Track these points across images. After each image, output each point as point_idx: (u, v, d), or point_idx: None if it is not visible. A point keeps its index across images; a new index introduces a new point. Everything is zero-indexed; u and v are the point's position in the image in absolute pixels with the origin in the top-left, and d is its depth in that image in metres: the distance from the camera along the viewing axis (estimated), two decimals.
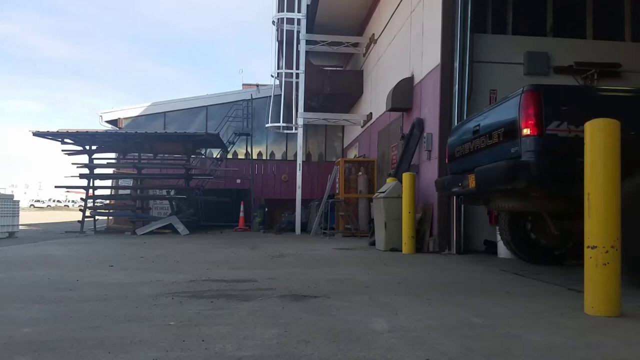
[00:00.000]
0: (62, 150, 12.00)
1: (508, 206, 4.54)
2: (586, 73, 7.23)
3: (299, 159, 12.85)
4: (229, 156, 16.28)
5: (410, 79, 8.80)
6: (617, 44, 7.68)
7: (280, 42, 13.90)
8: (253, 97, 16.48)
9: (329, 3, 12.74)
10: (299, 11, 13.12)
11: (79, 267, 4.94)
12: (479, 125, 4.65)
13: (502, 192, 4.11)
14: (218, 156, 15.62)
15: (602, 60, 7.31)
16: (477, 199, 4.98)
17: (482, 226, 7.05)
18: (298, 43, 13.13)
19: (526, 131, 3.72)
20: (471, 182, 4.45)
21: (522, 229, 5.59)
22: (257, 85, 17.61)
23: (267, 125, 15.05)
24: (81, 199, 13.08)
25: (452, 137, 5.41)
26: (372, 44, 12.69)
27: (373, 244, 7.97)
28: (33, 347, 2.12)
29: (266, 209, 14.36)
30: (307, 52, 13.28)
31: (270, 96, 14.95)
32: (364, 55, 13.89)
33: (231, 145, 15.66)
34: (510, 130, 3.96)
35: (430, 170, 7.59)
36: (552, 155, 3.70)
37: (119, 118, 16.64)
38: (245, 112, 16.07)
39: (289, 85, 13.49)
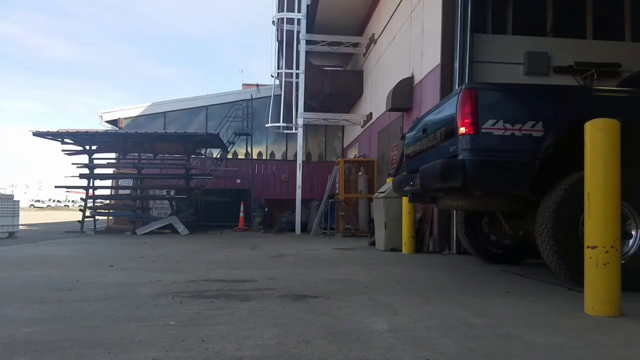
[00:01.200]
0: (62, 150, 12.00)
1: (453, 205, 4.55)
2: (586, 73, 7.22)
3: (299, 159, 12.85)
4: (229, 156, 16.28)
5: (410, 79, 8.80)
6: (617, 44, 7.68)
7: (280, 42, 13.90)
8: (253, 97, 16.49)
9: (329, 3, 12.75)
10: (299, 11, 13.12)
11: (79, 267, 4.94)
12: (427, 124, 4.68)
13: (444, 190, 4.14)
14: (218, 156, 15.62)
15: (602, 60, 7.31)
16: (425, 198, 4.98)
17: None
18: (298, 43, 13.13)
19: (462, 130, 3.74)
20: (418, 181, 4.49)
21: (477, 227, 5.60)
22: (257, 85, 17.61)
23: (267, 125, 15.05)
24: (81, 199, 13.08)
25: (408, 135, 5.43)
26: (372, 44, 12.69)
27: (373, 244, 7.97)
28: (33, 347, 2.12)
29: (266, 209, 14.36)
30: (307, 52, 13.28)
31: (270, 96, 14.95)
32: (364, 55, 13.89)
33: (231, 145, 15.66)
34: (450, 129, 3.98)
35: None
36: (488, 153, 3.71)
37: (119, 118, 16.64)
38: (245, 112, 16.08)
39: (289, 85, 13.49)
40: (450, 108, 4.03)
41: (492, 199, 4.27)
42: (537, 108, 3.76)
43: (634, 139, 3.60)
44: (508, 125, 3.65)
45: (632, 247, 3.60)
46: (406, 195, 5.14)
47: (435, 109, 4.61)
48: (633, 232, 3.62)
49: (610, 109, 3.76)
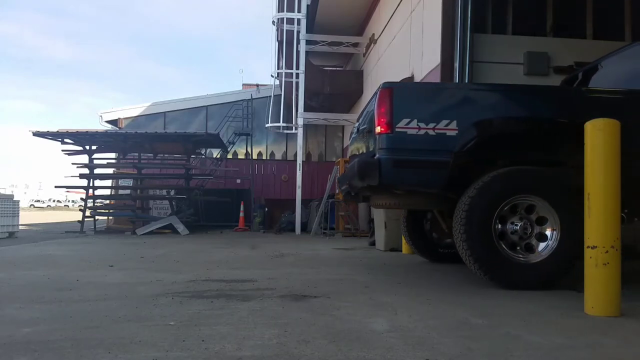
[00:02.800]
0: (62, 150, 12.00)
1: (382, 204, 4.56)
2: None
3: (299, 159, 12.85)
4: (229, 156, 16.28)
5: (410, 79, 8.80)
6: (617, 44, 7.67)
7: (280, 42, 13.91)
8: (253, 97, 16.48)
9: (329, 3, 12.75)
10: (299, 11, 13.13)
11: (79, 267, 4.94)
12: (358, 123, 4.74)
13: (367, 189, 4.17)
14: (218, 156, 15.62)
15: None
16: (358, 197, 5.00)
17: None
18: (298, 43, 13.14)
19: (378, 129, 3.76)
20: (347, 180, 4.51)
21: (419, 226, 5.62)
22: (257, 85, 17.61)
23: (267, 125, 15.05)
24: (81, 199, 13.08)
25: (351, 135, 5.46)
26: (372, 44, 12.69)
27: (373, 244, 7.97)
28: (33, 347, 2.12)
29: (266, 209, 14.36)
30: (307, 52, 13.29)
31: (270, 96, 14.96)
32: (364, 55, 13.89)
33: (231, 145, 15.65)
34: (371, 128, 4.02)
35: None
36: (402, 152, 3.73)
37: (119, 118, 16.64)
38: (245, 112, 16.07)
39: (289, 85, 13.49)
40: (372, 107, 4.07)
41: (417, 198, 4.30)
42: (451, 107, 3.79)
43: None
44: (422, 125, 3.68)
45: (547, 247, 3.62)
46: (345, 195, 5.18)
47: (364, 109, 4.66)
48: (548, 232, 3.64)
49: (523, 107, 3.82)
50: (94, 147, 12.08)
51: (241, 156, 16.94)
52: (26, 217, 21.54)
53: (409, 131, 3.69)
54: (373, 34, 12.65)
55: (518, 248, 3.67)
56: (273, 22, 13.90)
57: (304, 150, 15.93)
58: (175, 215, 12.08)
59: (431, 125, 3.66)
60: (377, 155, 3.77)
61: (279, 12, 13.53)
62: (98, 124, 16.44)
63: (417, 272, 4.88)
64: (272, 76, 14.81)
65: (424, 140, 3.68)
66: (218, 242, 8.99)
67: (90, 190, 12.01)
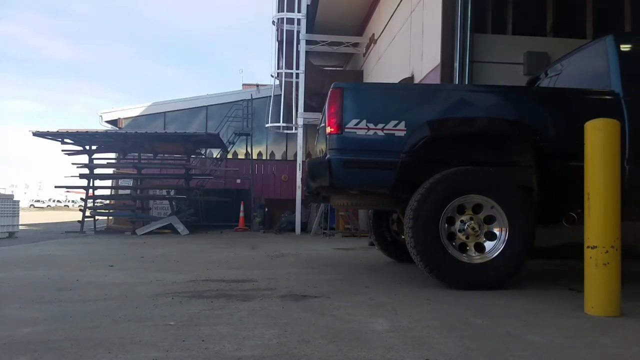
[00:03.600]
0: (62, 150, 12.00)
1: (341, 203, 4.56)
2: None
3: (299, 159, 12.84)
4: (229, 156, 16.27)
5: (410, 79, 8.80)
6: None
7: (280, 42, 13.91)
8: (253, 97, 16.48)
9: (329, 3, 12.74)
10: (299, 11, 13.13)
11: (79, 267, 4.94)
12: (320, 124, 4.77)
13: (323, 189, 4.19)
14: (218, 156, 15.62)
15: None
16: (319, 197, 5.01)
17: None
18: (298, 43, 13.14)
19: (328, 129, 3.78)
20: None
21: (385, 226, 5.61)
22: (257, 85, 17.61)
23: (267, 125, 15.05)
24: (81, 199, 13.07)
25: (317, 135, 5.49)
26: (372, 44, 12.69)
27: (373, 244, 7.97)
28: (33, 347, 2.12)
29: (266, 209, 14.36)
30: (307, 52, 13.29)
31: (270, 96, 14.95)
32: (364, 55, 13.89)
33: (231, 145, 15.65)
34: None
35: None
36: (352, 153, 3.75)
37: (119, 118, 16.63)
38: (245, 112, 16.07)
39: (289, 85, 13.49)
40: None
41: (373, 198, 4.31)
42: (400, 108, 3.81)
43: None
44: (371, 125, 3.69)
45: (495, 247, 3.62)
46: (308, 195, 5.21)
47: (324, 109, 4.68)
48: (496, 232, 3.64)
49: (471, 107, 3.84)
50: (94, 147, 12.07)
51: (241, 156, 16.94)
52: (26, 217, 21.54)
53: (358, 131, 3.71)
54: (373, 34, 12.65)
55: (467, 248, 3.66)
56: (273, 22, 13.90)
57: (304, 150, 15.92)
58: (175, 215, 12.07)
59: (380, 125, 3.69)
60: (327, 156, 3.79)
61: (279, 12, 13.53)
62: (98, 124, 16.44)
63: (417, 272, 4.87)
64: (272, 76, 14.81)
65: (373, 141, 3.70)
66: (218, 242, 8.99)
67: (90, 190, 12.00)
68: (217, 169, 15.09)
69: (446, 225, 3.63)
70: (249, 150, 16.38)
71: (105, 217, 13.43)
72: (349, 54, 15.49)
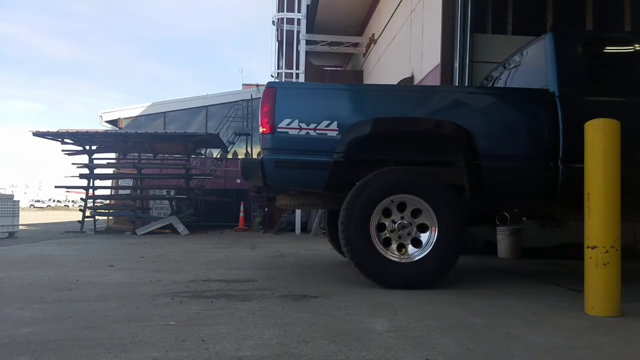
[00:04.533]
0: (62, 150, 12.00)
1: (284, 203, 4.55)
2: None
3: None
4: (229, 156, 16.28)
5: (410, 79, 8.79)
6: None
7: (280, 42, 13.91)
8: (253, 97, 16.48)
9: (329, 3, 12.74)
10: (299, 11, 13.13)
11: (79, 267, 4.94)
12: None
13: (262, 189, 4.19)
14: (218, 156, 15.62)
15: None
16: (263, 197, 4.96)
17: (482, 226, 7.05)
18: (298, 43, 13.14)
19: (261, 129, 3.79)
20: None
21: (336, 225, 5.61)
22: (257, 85, 17.60)
23: None
24: (81, 199, 13.08)
25: None
26: (372, 44, 12.69)
27: None
28: (33, 347, 2.12)
29: (266, 209, 14.36)
30: (307, 52, 13.29)
31: None
32: (364, 55, 13.89)
33: (231, 145, 15.65)
34: None
35: None
36: (284, 152, 3.75)
37: (119, 118, 16.63)
38: (245, 112, 16.08)
39: None
40: None
41: (315, 198, 4.29)
42: (332, 108, 3.79)
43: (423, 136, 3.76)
44: (303, 125, 3.69)
45: (426, 246, 3.62)
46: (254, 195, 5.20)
47: None
48: (427, 231, 3.64)
49: (403, 107, 3.83)
50: (94, 147, 12.07)
51: (241, 156, 16.92)
52: (26, 217, 21.54)
53: (290, 131, 3.70)
54: (373, 34, 12.65)
55: (397, 247, 3.66)
56: (273, 22, 13.90)
57: None
58: (175, 215, 12.07)
59: (312, 125, 3.68)
60: (261, 156, 3.79)
61: (279, 12, 13.53)
62: (98, 124, 16.44)
63: None
64: (272, 76, 14.80)
65: (306, 141, 3.69)
66: (218, 242, 8.99)
67: (90, 190, 12.00)
68: (217, 169, 15.09)
69: (377, 224, 3.64)
70: (249, 150, 16.38)
71: (105, 217, 13.43)
72: (349, 54, 15.49)
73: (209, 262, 5.49)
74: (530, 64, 4.26)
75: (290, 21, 13.31)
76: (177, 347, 2.14)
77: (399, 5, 9.93)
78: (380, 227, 3.67)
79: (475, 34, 7.17)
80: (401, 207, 3.68)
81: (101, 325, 2.51)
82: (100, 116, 16.57)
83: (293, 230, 12.55)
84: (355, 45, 14.41)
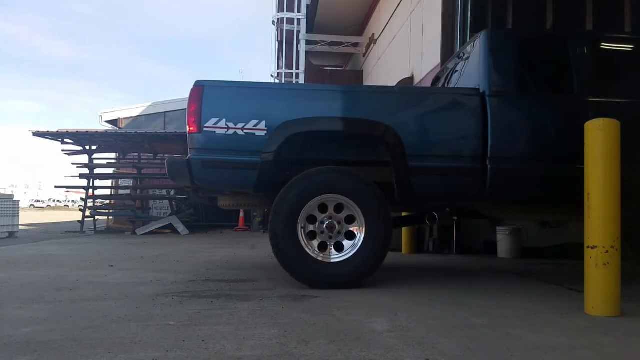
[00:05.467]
0: (62, 150, 11.99)
1: (225, 204, 4.51)
2: None
3: None
4: None
5: (410, 79, 8.80)
6: None
7: (280, 42, 13.92)
8: None
9: (329, 3, 12.75)
10: (299, 11, 13.14)
11: (79, 267, 4.94)
12: None
13: (196, 189, 4.16)
14: None
15: None
16: (203, 197, 4.90)
17: (482, 226, 7.05)
18: (298, 43, 13.15)
19: (189, 128, 3.73)
20: None
21: None
22: None
23: None
24: (81, 199, 13.07)
25: None
26: (372, 44, 12.70)
27: None
28: (33, 347, 2.12)
29: (266, 209, 14.35)
30: (307, 52, 13.30)
31: None
32: (364, 55, 13.89)
33: None
34: None
35: None
36: (211, 152, 3.71)
37: (119, 118, 16.61)
38: None
39: None
40: None
41: (254, 198, 4.26)
42: (261, 107, 3.76)
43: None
44: (231, 124, 3.65)
45: (353, 246, 3.61)
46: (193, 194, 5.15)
47: None
48: (355, 231, 3.64)
49: (332, 107, 3.79)
50: (94, 147, 12.07)
51: None
52: (26, 217, 21.54)
53: (218, 131, 3.66)
54: (373, 34, 12.65)
55: (326, 247, 3.65)
56: (273, 22, 13.91)
57: None
58: (175, 215, 12.07)
59: (240, 125, 3.65)
60: (189, 155, 3.75)
61: (279, 12, 13.54)
62: (98, 124, 16.42)
63: (417, 272, 4.88)
64: (272, 76, 14.81)
65: (233, 141, 3.66)
66: (218, 242, 8.99)
67: (90, 190, 12.00)
68: None
69: (305, 224, 3.62)
70: None
71: (105, 217, 13.43)
72: (349, 54, 15.50)
73: (209, 262, 5.49)
74: (471, 61, 4.23)
75: (290, 21, 13.32)
76: (177, 347, 2.14)
77: (399, 5, 9.93)
78: (310, 227, 3.64)
79: (475, 34, 7.16)
80: (330, 207, 3.66)
81: (101, 325, 2.51)
82: (100, 116, 16.56)
83: None
84: (355, 45, 14.41)
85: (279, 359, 2.00)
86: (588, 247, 2.83)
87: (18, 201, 10.84)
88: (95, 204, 12.52)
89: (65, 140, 11.88)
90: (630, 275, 3.74)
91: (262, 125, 3.64)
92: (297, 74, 13.07)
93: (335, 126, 3.74)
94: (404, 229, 6.85)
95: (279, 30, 13.81)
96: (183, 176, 3.76)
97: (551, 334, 2.44)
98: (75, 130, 11.59)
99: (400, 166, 3.70)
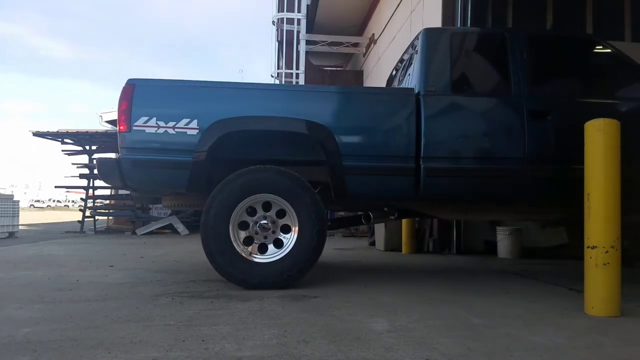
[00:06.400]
0: (62, 150, 11.99)
1: (171, 204, 4.48)
2: None
3: None
4: None
5: None
6: (617, 44, 7.66)
7: (280, 42, 13.92)
8: None
9: (329, 3, 12.75)
10: (299, 11, 13.14)
11: (79, 267, 4.94)
12: None
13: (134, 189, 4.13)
14: None
15: None
16: (148, 197, 4.88)
17: (482, 226, 7.05)
18: (298, 43, 13.15)
19: (119, 127, 3.68)
20: None
21: None
22: None
23: None
24: (81, 199, 13.07)
25: None
26: (372, 44, 12.70)
27: (373, 244, 7.97)
28: (33, 347, 2.12)
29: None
30: (307, 52, 13.30)
31: None
32: (364, 55, 13.89)
33: None
34: None
35: None
36: (141, 152, 3.66)
37: None
38: None
39: None
40: None
41: (200, 198, 4.18)
42: (193, 106, 3.70)
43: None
44: (162, 123, 3.59)
45: (286, 246, 3.59)
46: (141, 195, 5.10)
47: None
48: (288, 232, 3.61)
49: (267, 106, 3.76)
50: (94, 147, 12.07)
51: None
52: (26, 217, 21.54)
53: (148, 130, 3.60)
54: (373, 34, 12.65)
55: (259, 247, 3.62)
56: (273, 22, 13.91)
57: None
58: (175, 215, 12.07)
59: (171, 123, 3.59)
60: (119, 155, 3.71)
61: (278, 12, 13.54)
62: (98, 124, 16.40)
63: (418, 272, 4.88)
64: (272, 76, 14.81)
65: (164, 140, 3.60)
66: None
67: (90, 190, 12.00)
68: None
69: (236, 224, 3.58)
70: None
71: (105, 217, 13.43)
72: (349, 54, 15.49)
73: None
74: (413, 61, 4.18)
75: (290, 21, 13.32)
76: (177, 347, 2.14)
77: (399, 5, 9.93)
78: (243, 227, 3.61)
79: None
80: (266, 206, 3.63)
81: (101, 325, 2.51)
82: (100, 116, 16.53)
83: None
84: (355, 45, 14.41)
85: (279, 359, 2.00)
86: (588, 247, 2.83)
87: (18, 201, 10.83)
88: (95, 204, 12.52)
89: (65, 140, 11.88)
90: (630, 275, 3.74)
91: (194, 124, 3.58)
92: (297, 74, 13.07)
93: (269, 125, 3.69)
94: (404, 229, 6.86)
95: (279, 30, 13.81)
96: (114, 176, 3.70)
97: (551, 334, 2.44)
98: (75, 130, 11.59)
99: (335, 166, 3.67)
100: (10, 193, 14.02)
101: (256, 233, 3.61)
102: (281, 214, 3.64)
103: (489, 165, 3.77)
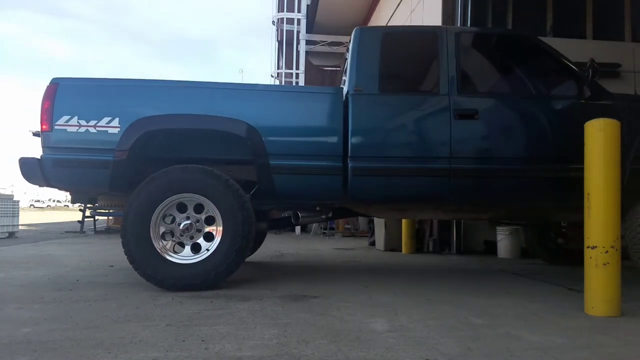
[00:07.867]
0: None
1: (104, 203, 4.45)
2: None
3: None
4: None
5: None
6: (617, 44, 7.67)
7: (280, 42, 13.93)
8: None
9: (329, 3, 12.75)
10: (299, 11, 13.15)
11: (79, 267, 4.94)
12: None
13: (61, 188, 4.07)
14: None
15: (602, 60, 7.29)
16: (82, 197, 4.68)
17: (481, 226, 7.06)
18: (298, 43, 13.15)
19: (41, 126, 3.66)
20: None
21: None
22: None
23: None
24: None
25: None
26: None
27: (373, 244, 7.98)
28: (33, 347, 2.12)
29: None
30: (307, 52, 13.30)
31: None
32: None
33: None
34: None
35: None
36: (63, 151, 3.63)
37: None
38: None
39: (288, 85, 13.50)
40: None
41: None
42: (114, 104, 3.66)
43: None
44: (83, 122, 3.57)
45: (210, 246, 3.54)
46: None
47: None
48: (213, 232, 3.57)
49: (192, 104, 3.70)
50: None
51: None
52: (26, 217, 21.54)
53: (69, 129, 3.58)
54: None
55: (181, 248, 3.58)
56: (273, 22, 13.92)
57: None
58: None
59: (92, 122, 3.57)
60: (40, 155, 3.68)
61: (278, 12, 13.55)
62: None
63: (418, 272, 4.88)
64: (272, 76, 14.82)
65: (85, 139, 3.58)
66: None
67: None
68: None
69: (158, 225, 3.52)
70: None
71: (105, 217, 13.42)
72: None
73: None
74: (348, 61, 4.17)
75: (290, 21, 13.33)
76: (177, 347, 2.14)
77: (398, 5, 9.93)
78: (164, 229, 3.56)
79: None
80: (189, 207, 3.59)
81: (101, 325, 2.51)
82: None
83: (293, 230, 12.55)
84: None
85: (279, 359, 2.00)
86: (588, 247, 2.83)
87: (18, 201, 10.83)
88: (95, 204, 12.50)
89: None
90: (630, 275, 3.74)
91: (116, 122, 3.55)
92: (297, 74, 13.07)
93: (193, 124, 3.65)
94: (404, 230, 6.86)
95: (279, 31, 13.82)
96: (36, 176, 3.67)
97: (551, 334, 2.44)
98: None
99: (262, 165, 3.66)
100: (10, 193, 14.02)
101: (181, 235, 3.56)
102: (208, 215, 3.57)
103: (417, 164, 3.73)
